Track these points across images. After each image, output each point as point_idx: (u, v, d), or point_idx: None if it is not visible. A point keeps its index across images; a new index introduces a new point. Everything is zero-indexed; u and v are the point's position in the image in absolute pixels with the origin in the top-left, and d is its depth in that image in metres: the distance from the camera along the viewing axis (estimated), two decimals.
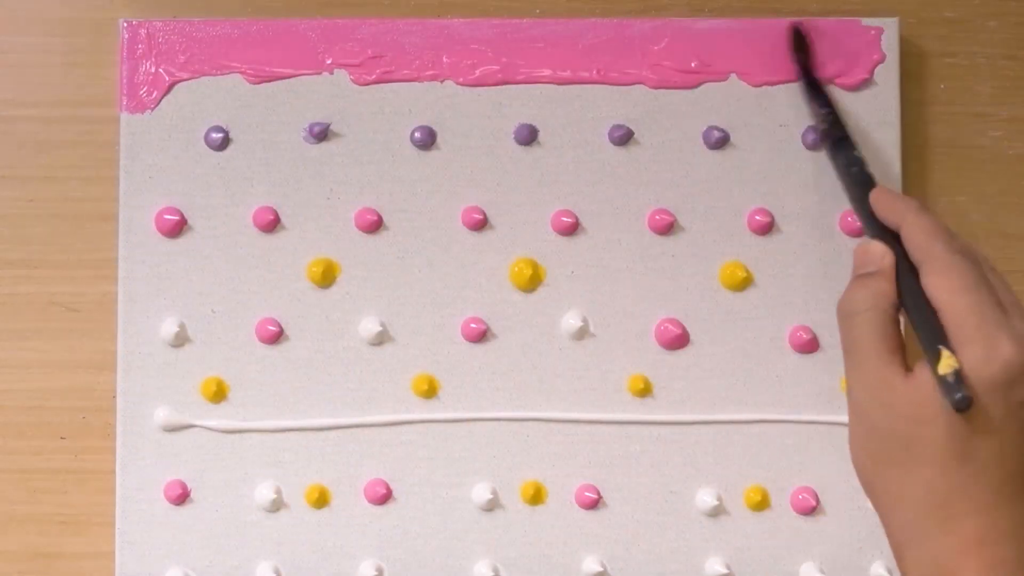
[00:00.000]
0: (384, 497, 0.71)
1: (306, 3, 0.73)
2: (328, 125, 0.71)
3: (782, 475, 0.71)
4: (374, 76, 0.71)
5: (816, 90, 0.69)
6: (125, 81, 0.71)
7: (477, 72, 0.71)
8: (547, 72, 0.72)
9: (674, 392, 0.71)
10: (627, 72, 0.72)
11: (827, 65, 0.71)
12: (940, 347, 0.53)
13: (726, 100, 0.72)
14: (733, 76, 0.72)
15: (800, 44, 0.70)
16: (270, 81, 0.71)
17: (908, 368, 0.54)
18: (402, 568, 0.71)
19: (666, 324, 0.71)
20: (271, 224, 0.71)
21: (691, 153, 0.72)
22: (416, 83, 0.71)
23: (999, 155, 0.74)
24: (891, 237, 0.58)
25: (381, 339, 0.71)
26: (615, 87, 0.72)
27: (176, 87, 0.71)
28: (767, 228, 0.71)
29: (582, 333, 0.71)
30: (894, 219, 0.58)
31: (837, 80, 0.71)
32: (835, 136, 0.65)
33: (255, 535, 0.71)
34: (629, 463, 0.71)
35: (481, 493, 0.71)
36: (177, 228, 0.71)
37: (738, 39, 0.72)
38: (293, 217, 0.71)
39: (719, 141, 0.71)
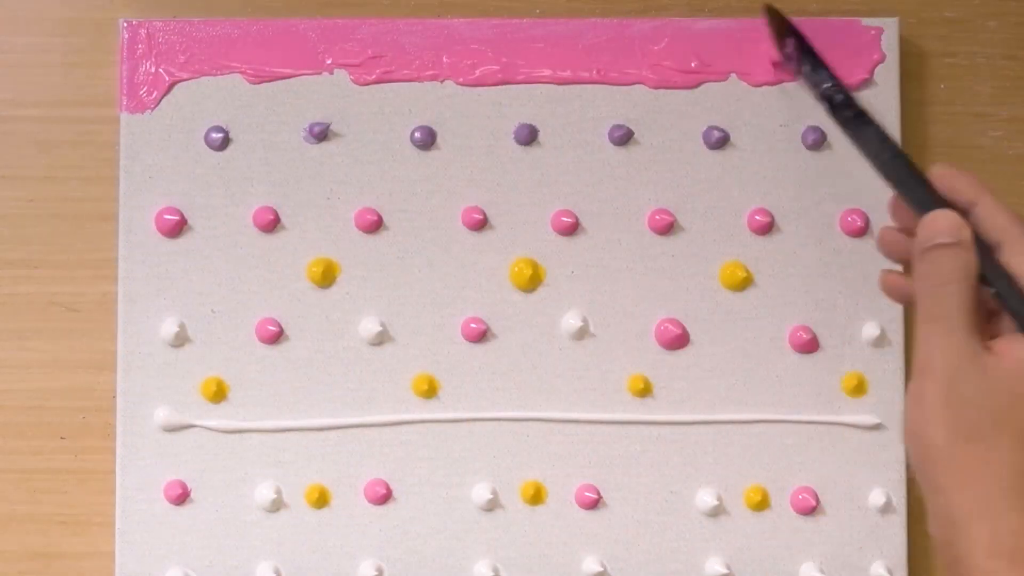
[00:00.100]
0: (384, 497, 0.71)
1: (306, 3, 0.73)
2: (328, 125, 0.71)
3: (782, 475, 0.71)
4: (374, 76, 0.71)
5: (817, 60, 0.64)
6: (125, 81, 0.71)
7: (477, 72, 0.71)
8: (547, 72, 0.72)
9: (674, 392, 0.71)
10: (627, 72, 0.72)
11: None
12: None
13: (726, 100, 0.72)
14: (733, 76, 0.72)
15: (778, 18, 0.67)
16: (270, 81, 0.71)
17: (986, 345, 0.53)
18: (402, 568, 0.71)
19: (666, 324, 0.71)
20: (271, 224, 0.71)
21: (691, 153, 0.72)
22: (416, 83, 0.71)
23: (999, 155, 0.74)
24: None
25: (381, 339, 0.71)
26: (615, 87, 0.72)
27: (176, 87, 0.71)
28: (767, 228, 0.71)
29: (582, 333, 0.71)
30: (968, 196, 0.56)
31: None
32: (855, 109, 0.61)
33: (255, 535, 0.71)
34: (629, 463, 0.71)
35: (481, 493, 0.71)
36: (177, 228, 0.71)
37: (738, 39, 0.72)
38: (293, 217, 0.71)
39: (719, 141, 0.71)
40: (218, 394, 0.70)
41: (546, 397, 0.71)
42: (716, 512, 0.71)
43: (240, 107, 0.71)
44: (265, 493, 0.70)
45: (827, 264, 0.71)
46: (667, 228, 0.71)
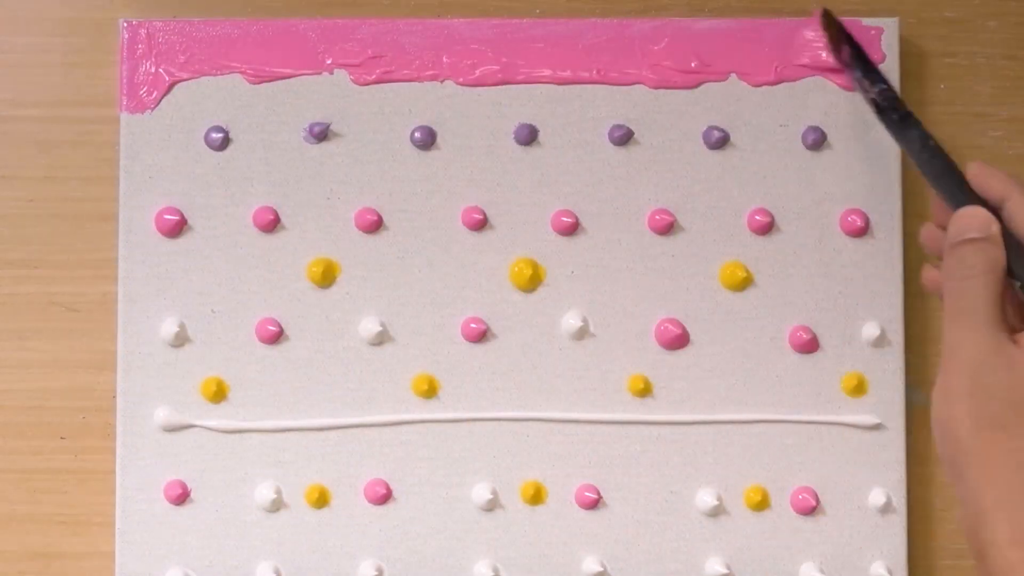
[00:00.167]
0: (384, 497, 0.71)
1: (306, 3, 0.73)
2: (328, 125, 0.71)
3: (782, 475, 0.71)
4: (374, 76, 0.71)
5: (867, 65, 0.66)
6: (125, 81, 0.71)
7: (477, 72, 0.71)
8: (547, 72, 0.72)
9: (674, 392, 0.71)
10: (627, 72, 0.72)
11: (827, 65, 0.71)
12: None
13: (726, 100, 0.72)
14: (733, 76, 0.72)
15: (835, 25, 0.68)
16: (270, 81, 0.71)
17: (1012, 340, 0.54)
18: (402, 568, 0.71)
19: (666, 324, 0.71)
20: (271, 224, 0.71)
21: (691, 153, 0.72)
22: (416, 83, 0.71)
23: (999, 155, 0.74)
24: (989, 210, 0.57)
25: (381, 339, 0.71)
26: (615, 87, 0.72)
27: (176, 87, 0.71)
28: (767, 228, 0.71)
29: (582, 333, 0.71)
30: (1000, 193, 0.57)
31: (837, 80, 0.71)
32: (901, 111, 0.63)
33: (255, 535, 0.71)
34: (629, 463, 0.71)
35: (481, 493, 0.71)
36: (177, 228, 0.71)
37: (738, 39, 0.72)
38: (293, 217, 0.71)
39: (719, 141, 0.71)
40: (218, 394, 0.71)
41: (546, 397, 0.71)
42: (716, 512, 0.71)
43: (240, 107, 0.71)
44: (265, 493, 0.70)
45: (827, 264, 0.71)
46: (667, 228, 0.71)
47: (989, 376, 0.54)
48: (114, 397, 0.71)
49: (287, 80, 0.71)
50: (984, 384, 0.54)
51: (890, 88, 0.64)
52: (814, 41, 0.71)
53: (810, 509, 0.71)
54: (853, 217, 0.71)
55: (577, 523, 0.71)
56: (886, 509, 0.71)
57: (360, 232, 0.71)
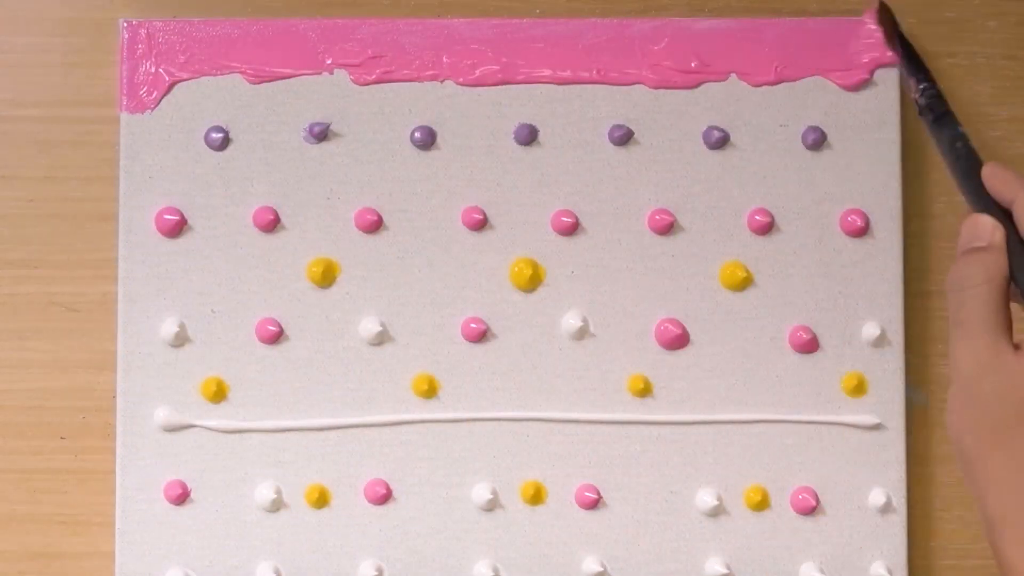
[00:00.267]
0: (384, 497, 0.71)
1: (306, 3, 0.73)
2: (328, 125, 0.71)
3: (782, 475, 0.71)
4: (374, 76, 0.71)
5: (916, 63, 0.66)
6: (125, 81, 0.71)
7: (477, 72, 0.71)
8: (547, 72, 0.72)
9: (674, 392, 0.71)
10: (627, 72, 0.72)
11: (827, 66, 0.71)
12: None
13: (726, 100, 0.72)
14: (733, 76, 0.72)
15: (891, 17, 0.68)
16: (270, 81, 0.71)
17: (1016, 346, 0.54)
18: (402, 568, 0.71)
19: (666, 324, 0.71)
20: (271, 224, 0.71)
21: (691, 153, 0.72)
22: (416, 83, 0.71)
23: (999, 155, 0.74)
24: (1002, 214, 0.57)
25: (381, 339, 0.71)
26: (615, 87, 0.72)
27: (176, 87, 0.71)
28: (767, 228, 0.71)
29: (582, 333, 0.71)
30: (1008, 194, 0.57)
31: (837, 80, 0.71)
32: (938, 111, 0.63)
33: (255, 535, 0.71)
34: (629, 463, 0.71)
35: (481, 493, 0.71)
36: (177, 228, 0.71)
37: (738, 39, 0.72)
38: (293, 217, 0.71)
39: (719, 141, 0.71)
40: (218, 394, 0.71)
41: (546, 397, 0.71)
42: (716, 512, 0.71)
43: (240, 107, 0.71)
44: (265, 493, 0.70)
45: (827, 264, 0.71)
46: (667, 228, 0.71)
47: (985, 386, 0.54)
48: (114, 397, 0.71)
49: (287, 80, 0.71)
50: (981, 395, 0.54)
51: (933, 87, 0.63)
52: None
53: (810, 509, 0.71)
54: (853, 217, 0.71)
55: (577, 523, 0.71)
56: (886, 509, 0.71)
57: (360, 232, 0.71)
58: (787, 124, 0.72)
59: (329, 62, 0.71)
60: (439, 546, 0.71)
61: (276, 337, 0.71)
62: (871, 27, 0.70)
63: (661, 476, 0.71)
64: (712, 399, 0.71)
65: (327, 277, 0.71)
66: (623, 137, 0.71)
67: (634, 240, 0.71)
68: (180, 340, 0.70)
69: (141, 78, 0.71)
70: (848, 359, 0.71)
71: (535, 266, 0.71)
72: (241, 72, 0.71)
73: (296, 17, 0.72)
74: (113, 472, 0.71)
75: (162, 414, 0.70)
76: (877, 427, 0.71)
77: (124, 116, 0.71)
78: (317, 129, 0.71)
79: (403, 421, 0.71)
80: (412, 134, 0.71)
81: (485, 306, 0.71)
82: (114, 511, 0.71)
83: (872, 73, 0.71)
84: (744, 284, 0.71)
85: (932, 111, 0.62)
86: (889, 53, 0.67)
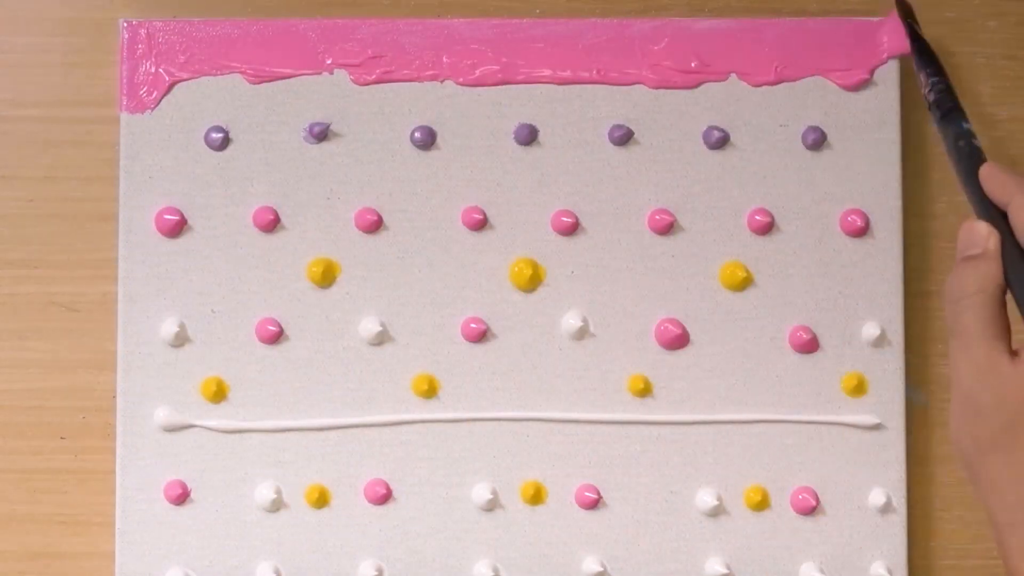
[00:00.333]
0: (384, 497, 0.71)
1: (306, 3, 0.73)
2: (328, 125, 0.71)
3: (782, 475, 0.71)
4: (374, 76, 0.71)
5: (927, 57, 0.66)
6: (125, 81, 0.71)
7: (477, 72, 0.71)
8: (547, 72, 0.72)
9: (674, 392, 0.71)
10: (627, 72, 0.72)
11: (827, 66, 0.71)
12: None
13: (726, 100, 0.72)
14: (733, 76, 0.72)
15: (907, 11, 0.68)
16: (270, 81, 0.71)
17: (1015, 353, 0.54)
18: (402, 568, 0.71)
19: (666, 324, 0.71)
20: (271, 224, 0.71)
21: (691, 153, 0.72)
22: (416, 83, 0.71)
23: (999, 156, 0.74)
24: (1000, 215, 0.56)
25: (381, 339, 0.71)
26: (615, 87, 0.72)
27: (176, 87, 0.71)
28: (767, 228, 0.71)
29: (582, 333, 0.71)
30: (1002, 197, 0.56)
31: (837, 80, 0.71)
32: (945, 107, 0.62)
33: (255, 535, 0.71)
34: (629, 463, 0.71)
35: (481, 493, 0.71)
36: (177, 228, 0.71)
37: (738, 39, 0.72)
38: (293, 217, 0.71)
39: (719, 141, 0.71)
40: (218, 394, 0.71)
41: (546, 397, 0.71)
42: (716, 512, 0.71)
43: (240, 107, 0.71)
44: (265, 493, 0.70)
45: (827, 264, 0.71)
46: (667, 228, 0.71)
47: (984, 396, 0.54)
48: (114, 397, 0.71)
49: (287, 80, 0.71)
50: (980, 405, 0.54)
51: (942, 82, 0.63)
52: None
53: (810, 509, 0.71)
54: (853, 217, 0.71)
55: (577, 523, 0.71)
56: (886, 509, 0.71)
57: (360, 232, 0.71)
58: (787, 124, 0.72)
59: (329, 62, 0.71)
60: (439, 546, 0.71)
61: (276, 337, 0.71)
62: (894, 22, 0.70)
63: (661, 476, 0.71)
64: (712, 399, 0.71)
65: (327, 277, 0.71)
66: (623, 137, 0.71)
67: (634, 240, 0.71)
68: (180, 340, 0.70)
69: (141, 78, 0.71)
70: (848, 359, 0.71)
71: (535, 266, 0.71)
72: (241, 72, 0.71)
73: (296, 17, 0.72)
74: (113, 472, 0.71)
75: (162, 414, 0.70)
76: (877, 427, 0.71)
77: (124, 116, 0.71)
78: (317, 129, 0.71)
79: (403, 421, 0.71)
80: (412, 134, 0.71)
81: (485, 306, 0.71)
82: (114, 511, 0.71)
83: (872, 73, 0.71)
84: (744, 284, 0.71)
85: (939, 107, 0.62)
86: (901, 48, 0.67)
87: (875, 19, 0.72)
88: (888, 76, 0.71)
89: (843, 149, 0.71)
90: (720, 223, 0.71)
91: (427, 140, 0.71)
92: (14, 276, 0.72)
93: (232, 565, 0.71)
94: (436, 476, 0.71)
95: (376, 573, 0.70)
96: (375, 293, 0.71)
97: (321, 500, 0.71)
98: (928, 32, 0.73)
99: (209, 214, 0.71)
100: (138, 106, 0.71)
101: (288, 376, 0.71)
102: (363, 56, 0.71)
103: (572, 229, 0.71)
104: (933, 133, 0.73)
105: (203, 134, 0.71)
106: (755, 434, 0.71)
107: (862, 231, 0.71)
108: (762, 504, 0.71)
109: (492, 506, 0.71)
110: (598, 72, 0.72)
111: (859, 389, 0.71)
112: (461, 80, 0.71)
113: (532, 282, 0.71)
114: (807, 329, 0.71)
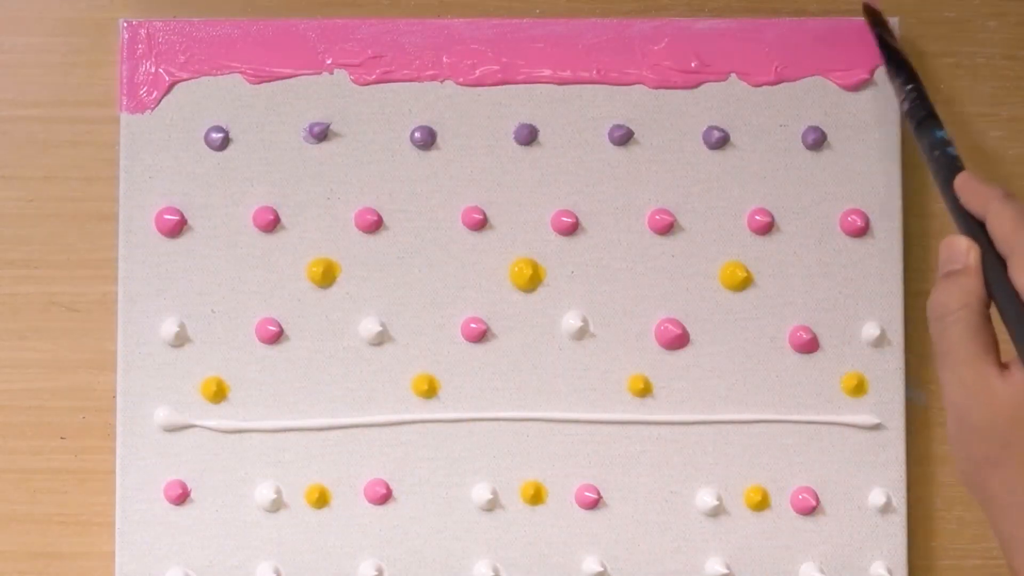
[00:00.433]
0: (384, 497, 0.71)
1: (306, 3, 0.73)
2: (328, 125, 0.71)
3: (782, 475, 0.71)
4: (374, 76, 0.71)
5: (900, 66, 0.65)
6: (125, 81, 0.71)
7: (477, 72, 0.71)
8: (547, 72, 0.72)
9: (674, 392, 0.71)
10: (627, 72, 0.72)
11: (827, 66, 0.71)
12: None
13: (726, 100, 0.72)
14: (733, 76, 0.72)
15: (877, 19, 0.68)
16: (270, 81, 0.71)
17: (1004, 366, 0.53)
18: (402, 568, 0.71)
19: (666, 324, 0.71)
20: (271, 224, 0.71)
21: (691, 153, 0.72)
22: (416, 83, 0.71)
23: (999, 155, 0.74)
24: (978, 225, 0.56)
25: (381, 339, 0.71)
26: (615, 87, 0.72)
27: (176, 87, 0.71)
28: (767, 228, 0.71)
29: (582, 333, 0.71)
30: (978, 208, 0.56)
31: (837, 80, 0.71)
32: (918, 116, 0.62)
33: (255, 535, 0.71)
34: (629, 463, 0.71)
35: (481, 493, 0.71)
36: (177, 228, 0.71)
37: (738, 39, 0.72)
38: (293, 217, 0.71)
39: (719, 141, 0.71)
40: (218, 394, 0.71)
41: (546, 397, 0.71)
42: (716, 512, 0.71)
43: (240, 107, 0.71)
44: (265, 493, 0.70)
45: (827, 264, 0.71)
46: (667, 228, 0.71)
47: (974, 416, 0.53)
48: (114, 397, 0.71)
49: (287, 80, 0.71)
50: (971, 425, 0.53)
51: (916, 90, 0.62)
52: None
53: (810, 509, 0.71)
54: (853, 217, 0.71)
55: (577, 523, 0.71)
56: (886, 509, 0.71)
57: (360, 232, 0.71)
58: (787, 124, 0.72)
59: (329, 62, 0.71)
60: (439, 546, 0.71)
61: (276, 337, 0.71)
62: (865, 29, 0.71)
63: (661, 476, 0.71)
64: (712, 399, 0.71)
65: (327, 277, 0.71)
66: (623, 137, 0.71)
67: (634, 240, 0.71)
68: (180, 340, 0.70)
69: (141, 78, 0.71)
70: (848, 359, 0.71)
71: (535, 266, 0.71)
72: (241, 72, 0.71)
73: (296, 17, 0.72)
74: (113, 472, 0.71)
75: (162, 414, 0.70)
76: (877, 427, 0.71)
77: (124, 116, 0.71)
78: (317, 129, 0.71)
79: (403, 421, 0.71)
80: (412, 134, 0.71)
81: (485, 306, 0.71)
82: (114, 511, 0.71)
83: (872, 73, 0.71)
84: (744, 284, 0.71)
85: (913, 116, 0.61)
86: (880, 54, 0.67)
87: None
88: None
89: (843, 149, 0.71)
90: (720, 223, 0.71)
91: (427, 140, 0.71)
92: (14, 276, 0.72)
93: (232, 565, 0.71)
94: (436, 476, 0.71)
95: (376, 573, 0.70)
96: (375, 293, 0.71)
97: (321, 500, 0.71)
98: (928, 32, 0.73)
99: (209, 214, 0.71)
100: (138, 106, 0.71)
101: (288, 376, 0.71)
102: (363, 56, 0.71)
103: (572, 229, 0.71)
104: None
105: (203, 134, 0.71)
106: (755, 434, 0.71)
107: (862, 231, 0.71)
108: (762, 504, 0.71)
109: (492, 506, 0.71)
110: (598, 72, 0.72)
111: (859, 389, 0.71)
112: (461, 80, 0.71)
113: (532, 282, 0.71)
114: (807, 329, 0.71)
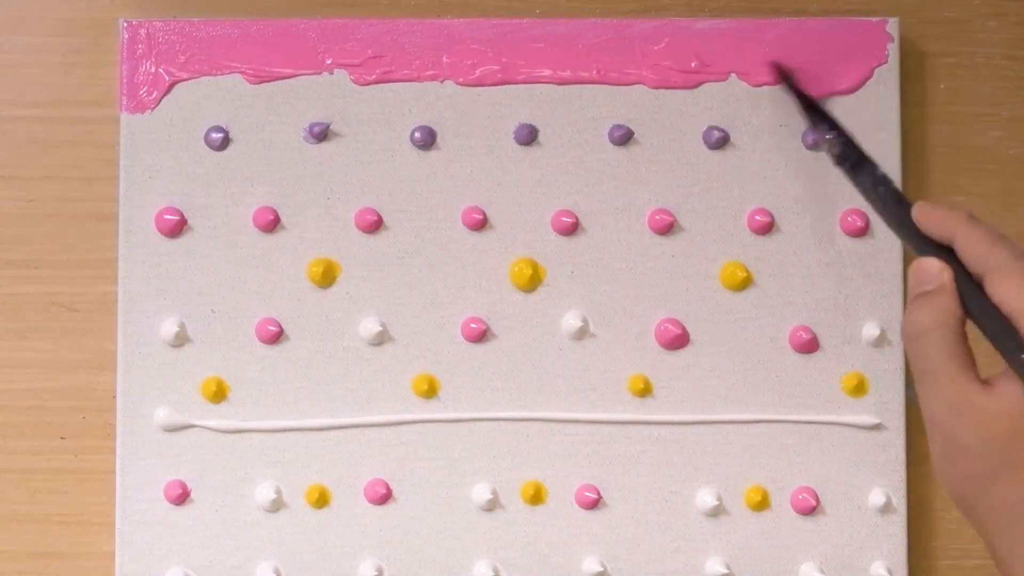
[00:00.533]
0: (384, 497, 0.71)
1: (306, 3, 0.73)
2: (328, 125, 0.71)
3: (782, 475, 0.71)
4: (374, 76, 0.71)
5: (818, 114, 0.66)
6: (125, 81, 0.71)
7: (477, 72, 0.71)
8: (547, 72, 0.72)
9: (674, 392, 0.71)
10: (627, 72, 0.72)
11: (827, 66, 0.71)
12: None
13: (726, 100, 0.72)
14: (733, 76, 0.72)
15: (785, 75, 0.69)
16: (270, 81, 0.71)
17: (985, 382, 0.53)
18: (402, 568, 0.71)
19: (666, 324, 0.71)
20: (271, 224, 0.71)
21: (691, 153, 0.72)
22: (416, 83, 0.71)
23: (999, 155, 0.74)
24: (939, 249, 0.56)
25: (381, 339, 0.71)
26: (615, 87, 0.72)
27: (176, 87, 0.71)
28: (767, 228, 0.71)
29: (582, 333, 0.71)
30: (944, 233, 0.56)
31: (837, 80, 0.71)
32: (852, 159, 0.62)
33: (255, 535, 0.71)
34: (629, 463, 0.71)
35: (481, 493, 0.71)
36: (177, 228, 0.71)
37: (738, 39, 0.72)
38: (293, 217, 0.71)
39: (719, 141, 0.71)
40: (218, 394, 0.71)
41: (546, 397, 0.71)
42: (716, 512, 0.71)
43: (240, 107, 0.71)
44: (265, 493, 0.70)
45: (827, 264, 0.71)
46: (667, 228, 0.71)
47: (964, 434, 0.53)
48: (114, 397, 0.71)
49: (287, 80, 0.71)
50: (960, 444, 0.53)
51: (841, 135, 0.62)
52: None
53: (810, 509, 0.71)
54: (853, 217, 0.71)
55: (577, 523, 0.71)
56: (886, 509, 0.71)
57: (360, 232, 0.71)
58: (787, 124, 0.72)
59: (329, 62, 0.71)
60: (439, 546, 0.71)
61: (276, 337, 0.71)
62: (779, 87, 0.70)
63: (661, 476, 0.71)
64: (712, 399, 0.71)
65: (327, 277, 0.71)
66: (623, 137, 0.71)
67: (634, 240, 0.71)
68: (180, 340, 0.70)
69: (141, 78, 0.71)
70: (848, 359, 0.71)
71: (535, 266, 0.71)
72: (241, 72, 0.71)
73: (296, 17, 0.72)
74: (113, 472, 0.71)
75: (162, 414, 0.70)
76: (877, 427, 0.71)
77: (124, 116, 0.71)
78: (317, 129, 0.71)
79: (403, 421, 0.71)
80: (412, 134, 0.71)
81: (485, 306, 0.71)
82: (114, 511, 0.71)
83: (872, 74, 0.71)
84: (744, 284, 0.71)
85: (846, 159, 0.61)
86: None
87: (875, 19, 0.72)
88: (888, 76, 0.71)
89: None
90: (720, 223, 0.71)
91: (427, 140, 0.71)
92: (14, 276, 0.72)
93: (232, 565, 0.71)
94: (436, 476, 0.71)
95: (376, 573, 0.70)
96: (375, 293, 0.71)
97: (321, 500, 0.71)
98: (928, 32, 0.74)
99: (209, 214, 0.71)
100: (138, 106, 0.71)
101: (288, 376, 0.71)
102: (363, 56, 0.71)
103: (572, 229, 0.71)
104: (933, 133, 0.73)
105: (203, 134, 0.71)
106: (755, 434, 0.71)
107: (862, 231, 0.71)
108: (762, 504, 0.71)
109: (492, 506, 0.71)
110: (598, 72, 0.72)
111: (859, 389, 0.71)
112: (461, 80, 0.71)
113: (532, 282, 0.71)
114: (807, 329, 0.71)
